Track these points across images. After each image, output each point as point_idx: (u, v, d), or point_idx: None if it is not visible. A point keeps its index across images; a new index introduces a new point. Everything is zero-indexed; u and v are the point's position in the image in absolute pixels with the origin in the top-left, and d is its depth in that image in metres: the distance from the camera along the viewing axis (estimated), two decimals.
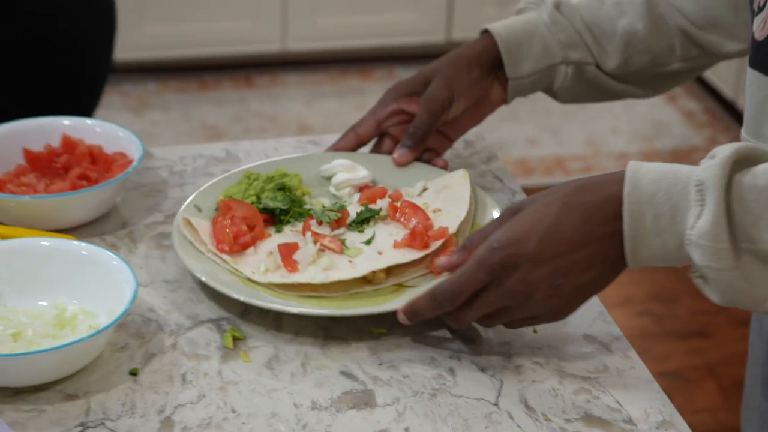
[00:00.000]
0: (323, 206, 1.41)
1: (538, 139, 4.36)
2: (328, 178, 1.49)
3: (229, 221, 1.34)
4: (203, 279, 1.29)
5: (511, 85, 1.45)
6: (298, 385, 1.20)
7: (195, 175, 1.62)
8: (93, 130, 1.59)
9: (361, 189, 1.46)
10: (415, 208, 1.39)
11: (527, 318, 1.18)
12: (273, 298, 1.27)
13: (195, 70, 4.72)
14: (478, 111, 1.47)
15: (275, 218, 1.40)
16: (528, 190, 1.64)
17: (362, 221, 1.39)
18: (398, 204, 1.40)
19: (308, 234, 1.35)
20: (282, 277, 1.29)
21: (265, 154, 1.69)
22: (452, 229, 1.36)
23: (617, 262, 1.09)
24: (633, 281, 3.52)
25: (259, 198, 1.40)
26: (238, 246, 1.33)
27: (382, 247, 1.34)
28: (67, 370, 1.20)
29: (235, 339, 1.28)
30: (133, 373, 1.23)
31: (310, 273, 1.29)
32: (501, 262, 1.11)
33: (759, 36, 1.23)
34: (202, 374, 1.23)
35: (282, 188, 1.41)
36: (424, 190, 1.45)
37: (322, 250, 1.33)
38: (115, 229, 1.49)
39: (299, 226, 1.38)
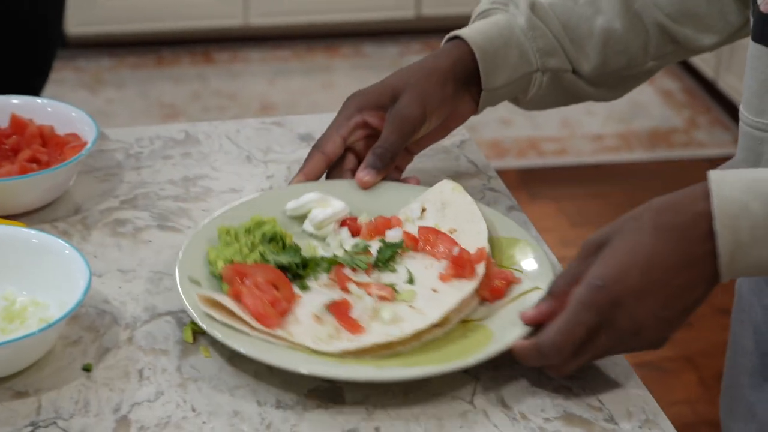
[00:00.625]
0: (345, 251, 1.31)
1: (511, 120, 4.35)
2: (298, 217, 1.39)
3: (257, 289, 1.21)
4: (303, 370, 1.15)
5: (485, 96, 1.41)
6: (262, 382, 1.18)
7: (152, 158, 1.60)
8: (44, 109, 1.57)
9: (343, 223, 1.37)
10: (436, 233, 1.33)
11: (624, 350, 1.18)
12: (360, 367, 1.16)
13: (152, 45, 4.67)
14: (446, 126, 1.44)
15: (290, 275, 1.27)
16: (501, 172, 1.63)
17: (388, 259, 1.30)
18: (413, 233, 1.33)
19: (352, 286, 1.25)
20: (351, 341, 1.19)
21: (225, 135, 1.67)
22: (486, 248, 1.32)
23: (714, 278, 1.09)
24: None
25: (263, 256, 1.28)
26: (279, 315, 1.21)
27: (429, 283, 1.27)
28: (17, 366, 1.18)
29: (196, 333, 1.26)
30: (87, 368, 1.20)
31: (379, 330, 1.20)
32: (609, 300, 1.09)
33: (764, 8, 1.23)
34: (160, 370, 1.20)
35: (273, 239, 1.30)
36: (423, 211, 1.39)
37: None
38: (67, 216, 1.46)
39: (323, 278, 1.27)
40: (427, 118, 1.36)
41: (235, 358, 1.21)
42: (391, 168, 1.39)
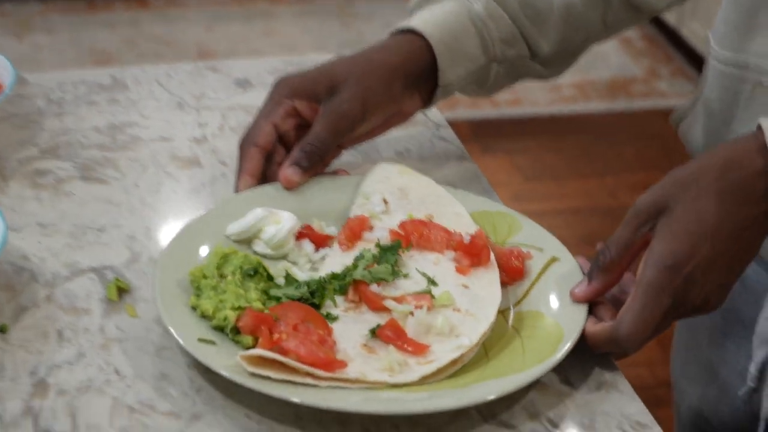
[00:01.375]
0: (358, 267, 1.20)
1: None
2: (244, 240, 1.27)
3: (298, 333, 1.10)
4: (419, 409, 1.06)
5: (439, 92, 1.35)
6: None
7: (76, 104, 1.56)
8: None
9: (300, 236, 1.27)
10: (425, 224, 1.27)
11: None
12: (450, 391, 1.09)
13: None
14: (386, 123, 1.36)
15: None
16: (452, 124, 1.60)
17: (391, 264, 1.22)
18: (399, 230, 1.26)
19: (391, 302, 1.16)
20: (425, 363, 1.11)
21: (156, 80, 1.63)
22: (475, 228, 1.28)
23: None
24: (561, 224, 3.52)
25: (268, 294, 1.17)
26: (334, 356, 1.10)
27: (452, 280, 1.22)
28: None
29: (120, 290, 1.22)
30: (2, 329, 1.16)
31: (444, 343, 1.13)
32: (683, 280, 1.06)
33: None
34: (82, 330, 1.17)
35: (255, 271, 1.19)
36: (386, 203, 1.31)
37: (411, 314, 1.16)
38: None
39: (340, 302, 1.17)
40: (366, 118, 1.28)
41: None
42: (319, 168, 1.31)
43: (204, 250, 1.23)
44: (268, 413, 1.07)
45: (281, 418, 1.07)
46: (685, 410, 1.54)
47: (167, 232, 1.34)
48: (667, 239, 1.09)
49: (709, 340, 1.47)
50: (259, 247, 1.26)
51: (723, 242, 1.09)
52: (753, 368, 1.37)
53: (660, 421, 1.11)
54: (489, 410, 1.10)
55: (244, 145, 1.32)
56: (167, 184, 1.43)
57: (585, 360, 1.16)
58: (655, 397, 1.69)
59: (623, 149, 3.95)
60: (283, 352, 1.07)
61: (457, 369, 1.11)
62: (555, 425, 1.09)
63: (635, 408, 1.11)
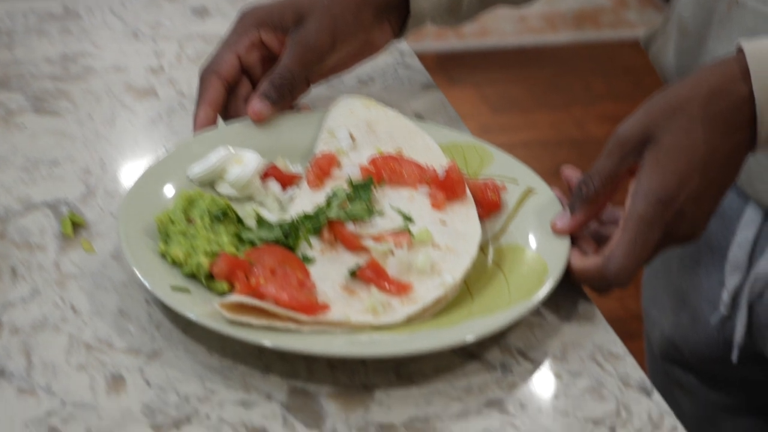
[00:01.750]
0: (331, 206, 1.17)
1: None
2: (208, 182, 1.23)
3: (277, 278, 1.07)
4: (405, 351, 1.04)
5: (411, 21, 1.31)
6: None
7: (26, 34, 1.53)
8: None
9: (265, 175, 1.24)
10: (396, 160, 1.24)
11: None
12: (437, 331, 1.07)
13: None
14: (355, 57, 1.33)
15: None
16: (419, 56, 1.58)
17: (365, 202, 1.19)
18: (369, 166, 1.23)
19: (369, 242, 1.14)
20: (410, 303, 1.09)
21: (109, 9, 1.60)
22: (448, 161, 1.26)
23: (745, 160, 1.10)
24: (529, 156, 3.51)
25: (240, 238, 1.14)
26: (315, 300, 1.08)
27: (428, 216, 1.19)
28: None
29: (76, 225, 1.20)
30: None
31: (426, 282, 1.11)
32: (673, 214, 1.06)
33: None
34: (36, 267, 1.15)
35: (224, 214, 1.14)
36: (352, 138, 1.28)
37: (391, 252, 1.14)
38: None
39: (316, 243, 1.14)
40: (336, 49, 1.25)
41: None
42: (289, 101, 1.27)
43: (167, 194, 1.19)
44: (230, 349, 1.06)
45: (244, 354, 1.06)
46: (656, 340, 1.55)
47: (124, 166, 1.32)
48: (657, 172, 1.07)
49: (679, 267, 1.47)
50: (224, 188, 1.23)
51: (712, 172, 1.09)
52: (725, 295, 1.38)
53: (632, 354, 1.11)
54: None
55: (205, 75, 1.28)
56: (123, 115, 1.40)
57: (556, 290, 1.14)
58: (627, 331, 1.68)
59: (591, 80, 3.94)
60: (262, 297, 1.04)
61: (441, 308, 1.10)
62: (526, 357, 1.08)
63: (607, 338, 1.11)
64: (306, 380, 1.04)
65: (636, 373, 1.07)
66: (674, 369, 1.53)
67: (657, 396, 1.05)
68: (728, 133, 1.08)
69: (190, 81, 1.45)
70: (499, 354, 1.08)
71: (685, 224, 1.10)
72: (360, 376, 1.05)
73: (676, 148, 1.08)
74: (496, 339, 1.10)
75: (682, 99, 1.08)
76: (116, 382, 1.02)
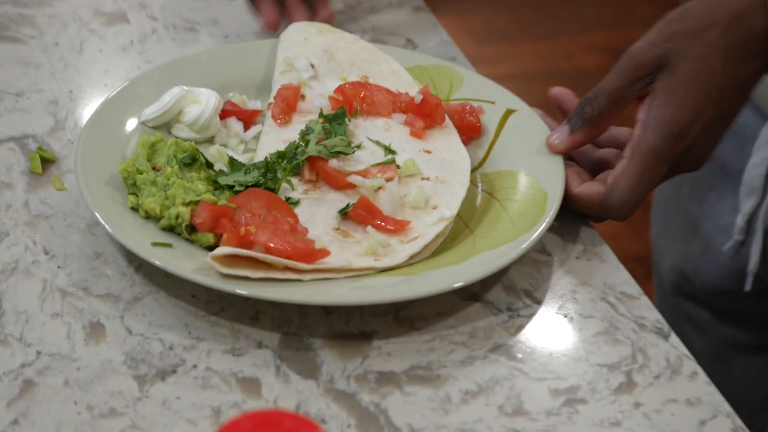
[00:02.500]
0: (309, 142, 1.13)
1: None
2: (162, 125, 1.19)
3: (270, 224, 1.03)
4: (408, 295, 1.01)
5: None
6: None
7: None
8: None
9: (224, 114, 1.19)
10: (364, 86, 1.20)
11: None
12: (442, 270, 1.04)
13: None
14: None
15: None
16: None
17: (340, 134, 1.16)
18: (337, 95, 1.20)
19: (356, 178, 1.10)
20: (410, 241, 1.06)
21: None
22: (418, 85, 1.23)
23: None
24: (516, 89, 3.46)
25: (216, 183, 1.09)
26: (312, 246, 1.04)
27: (410, 146, 1.16)
28: None
29: (45, 161, 1.17)
30: None
31: (422, 217, 1.08)
32: (684, 148, 1.06)
33: None
34: (4, 207, 1.12)
35: (193, 159, 1.10)
36: (313, 67, 1.24)
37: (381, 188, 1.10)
38: None
39: (299, 185, 1.11)
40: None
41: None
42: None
43: (122, 142, 1.15)
44: (216, 293, 1.03)
45: (231, 298, 1.03)
46: (666, 272, 1.52)
47: (94, 96, 1.28)
48: (671, 103, 1.05)
49: (691, 193, 1.45)
50: (180, 131, 1.18)
51: (726, 102, 1.07)
52: (740, 220, 1.36)
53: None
54: None
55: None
56: (91, 42, 1.37)
57: (562, 226, 1.13)
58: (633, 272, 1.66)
59: (580, 8, 3.90)
60: (253, 246, 1.01)
61: (440, 243, 1.08)
62: (533, 298, 1.06)
63: (620, 277, 1.09)
64: (299, 326, 1.01)
65: (651, 314, 1.05)
66: (685, 304, 1.52)
67: (674, 338, 1.03)
68: (744, 60, 1.06)
69: (163, 5, 1.41)
70: (504, 295, 1.06)
71: (692, 157, 1.09)
72: (356, 321, 1.02)
73: (692, 77, 1.05)
74: (500, 278, 1.07)
75: (701, 24, 1.06)
76: (95, 330, 1.00)
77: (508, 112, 1.20)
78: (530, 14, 3.89)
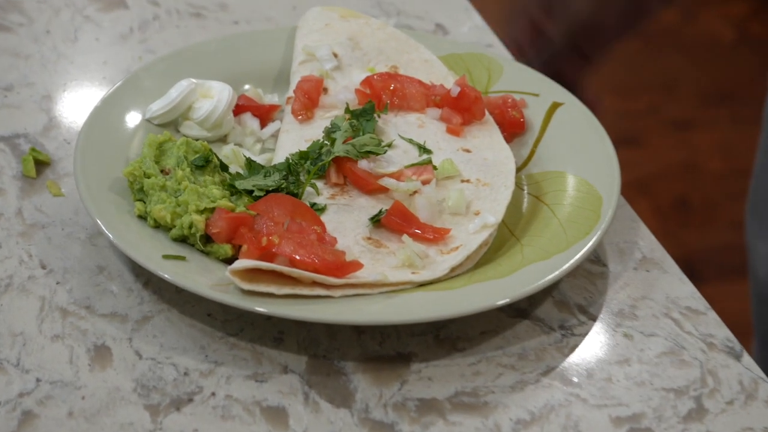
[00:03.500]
0: (336, 140, 1.10)
1: None
2: (170, 122, 1.16)
3: (295, 234, 1.00)
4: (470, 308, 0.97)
5: None
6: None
7: None
8: None
9: (238, 109, 1.16)
10: (393, 78, 1.17)
11: None
12: (482, 285, 1.00)
13: None
14: None
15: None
16: None
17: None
18: (364, 88, 1.16)
19: (389, 180, 1.07)
20: (450, 252, 1.03)
21: None
22: (454, 76, 1.20)
23: None
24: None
25: (233, 187, 1.06)
26: (343, 258, 1.00)
27: (447, 144, 1.13)
28: None
29: (39, 164, 1.14)
30: None
31: (464, 224, 1.05)
32: None
33: None
34: None
35: (207, 161, 1.06)
36: (336, 56, 1.21)
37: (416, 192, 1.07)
38: None
39: (325, 190, 1.08)
40: None
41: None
42: None
43: (126, 141, 1.12)
44: (234, 310, 0.99)
45: (251, 316, 0.99)
46: (763, 277, 1.50)
47: (90, 90, 1.25)
48: None
49: None
50: (192, 129, 1.15)
51: None
52: None
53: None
54: None
55: None
56: (86, 30, 1.35)
57: (617, 232, 1.10)
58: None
59: None
60: (275, 258, 0.97)
61: (484, 253, 1.05)
62: (588, 315, 1.02)
63: (684, 290, 1.05)
64: (328, 348, 0.98)
65: (721, 332, 1.01)
66: None
67: (747, 359, 0.99)
68: None
69: None
70: (555, 311, 1.03)
71: None
72: (392, 342, 0.99)
73: None
74: (550, 292, 1.04)
75: None
76: (100, 354, 0.96)
77: (555, 106, 1.17)
78: None
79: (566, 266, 1.00)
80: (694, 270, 2.50)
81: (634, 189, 3.02)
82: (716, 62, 3.40)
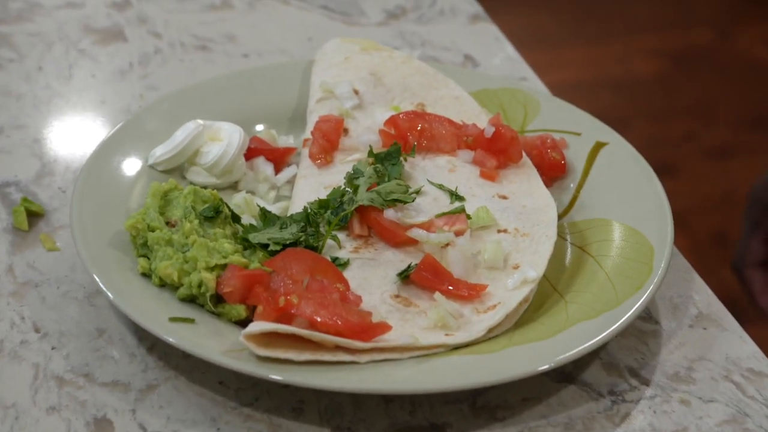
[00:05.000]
0: (359, 188, 1.08)
1: None
2: (175, 168, 1.15)
3: (316, 293, 0.98)
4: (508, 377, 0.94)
5: None
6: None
7: None
8: None
9: (250, 153, 1.15)
10: (421, 117, 1.15)
11: None
12: (521, 348, 0.98)
13: None
14: None
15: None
16: None
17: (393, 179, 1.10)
18: (389, 129, 1.15)
19: (418, 232, 1.05)
20: (487, 310, 1.01)
21: None
22: (487, 114, 1.19)
23: None
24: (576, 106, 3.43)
25: (247, 241, 1.04)
26: (369, 319, 0.98)
27: (481, 190, 1.12)
28: None
29: (32, 215, 1.12)
30: None
31: (501, 279, 1.03)
32: None
33: None
34: None
35: (217, 211, 1.05)
36: (356, 93, 1.20)
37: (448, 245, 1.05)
38: None
39: (348, 242, 1.06)
40: None
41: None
42: None
43: (124, 191, 1.10)
44: (248, 378, 0.97)
45: (266, 384, 0.96)
46: None
47: (88, 133, 1.23)
48: None
49: None
50: (200, 176, 1.13)
51: None
52: None
53: None
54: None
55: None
56: (82, 65, 1.33)
57: (670, 286, 1.07)
58: None
59: (633, 6, 3.89)
60: (293, 320, 0.95)
61: (524, 312, 1.02)
62: (640, 378, 0.99)
63: (746, 350, 1.02)
64: (353, 420, 0.95)
65: None
66: None
67: None
68: None
69: (167, 19, 1.37)
70: (604, 375, 1.00)
71: None
72: (424, 412, 0.96)
73: None
74: (598, 354, 1.01)
75: None
76: (101, 428, 0.93)
77: (598, 145, 1.15)
78: (575, 14, 3.86)
79: (616, 326, 0.97)
80: (737, 310, 2.47)
81: None
82: (755, 84, 3.38)
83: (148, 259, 1.02)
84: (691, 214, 3.05)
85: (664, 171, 3.09)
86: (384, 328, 0.96)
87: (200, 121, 1.14)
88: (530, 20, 3.86)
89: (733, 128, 3.16)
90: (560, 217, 1.11)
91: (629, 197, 1.10)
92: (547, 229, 1.07)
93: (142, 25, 1.39)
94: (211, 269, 0.99)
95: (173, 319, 0.97)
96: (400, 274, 1.02)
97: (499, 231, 1.07)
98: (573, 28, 3.86)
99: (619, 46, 3.74)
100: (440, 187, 1.10)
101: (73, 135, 1.23)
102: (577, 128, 1.17)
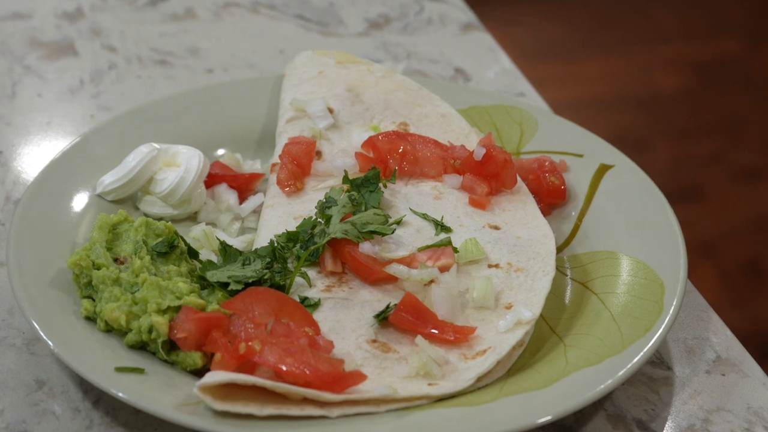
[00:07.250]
0: (331, 218, 1.07)
1: None
2: (126, 197, 1.14)
3: (281, 338, 0.97)
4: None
5: None
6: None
7: None
8: None
9: (212, 180, 1.15)
10: (402, 137, 1.14)
11: None
12: (515, 398, 0.97)
13: None
14: None
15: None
16: None
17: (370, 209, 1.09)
18: (366, 151, 1.15)
19: (398, 267, 1.04)
20: (469, 357, 1.00)
21: None
22: (478, 134, 1.18)
23: None
24: (578, 119, 3.42)
25: (204, 279, 1.03)
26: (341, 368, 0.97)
27: (470, 220, 1.11)
28: None
29: None
30: None
31: (491, 319, 1.03)
32: None
33: None
34: None
35: (171, 246, 1.04)
36: (331, 112, 1.20)
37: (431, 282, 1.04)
38: None
39: (319, 280, 1.06)
40: None
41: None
42: None
43: (68, 224, 1.09)
44: None
45: None
46: None
47: (31, 159, 1.23)
48: None
49: None
50: (153, 206, 1.13)
51: None
52: None
53: None
54: None
55: None
56: (27, 83, 1.33)
57: (683, 326, 1.06)
58: None
59: (655, 13, 3.89)
60: (255, 369, 0.94)
61: (518, 357, 1.01)
62: (649, 431, 0.98)
63: (766, 396, 1.01)
64: None
65: None
66: None
67: None
68: None
69: (123, 30, 1.37)
70: (609, 428, 0.98)
71: None
72: None
73: None
74: (602, 404, 1.00)
75: None
76: None
77: (603, 168, 1.14)
78: (590, 22, 3.87)
79: (622, 373, 0.96)
80: None
81: (695, 252, 3.00)
82: None
83: (93, 300, 1.00)
84: (719, 242, 3.05)
85: (689, 195, 3.09)
86: (358, 377, 0.94)
87: (155, 145, 1.13)
88: (540, 30, 3.87)
89: (765, 148, 3.17)
90: (560, 249, 1.11)
91: (637, 227, 1.09)
92: (545, 263, 1.06)
93: (95, 38, 1.39)
94: (163, 312, 0.98)
95: (121, 369, 0.95)
96: (377, 316, 1.01)
97: (489, 266, 1.06)
98: (588, 38, 3.87)
99: (639, 57, 3.75)
100: (424, 216, 1.09)
101: (14, 162, 1.23)
102: (579, 149, 1.17)
